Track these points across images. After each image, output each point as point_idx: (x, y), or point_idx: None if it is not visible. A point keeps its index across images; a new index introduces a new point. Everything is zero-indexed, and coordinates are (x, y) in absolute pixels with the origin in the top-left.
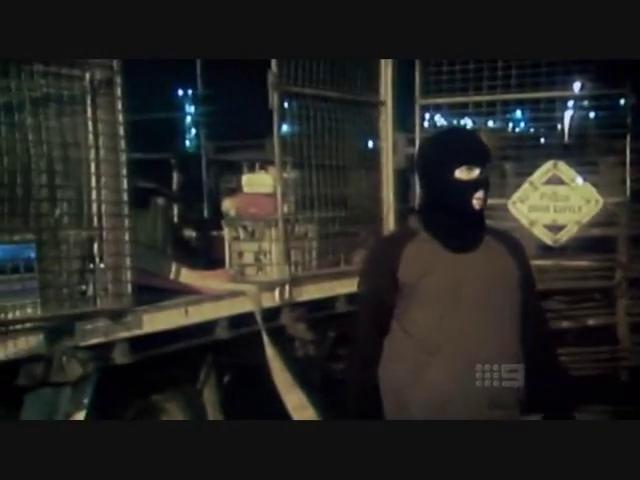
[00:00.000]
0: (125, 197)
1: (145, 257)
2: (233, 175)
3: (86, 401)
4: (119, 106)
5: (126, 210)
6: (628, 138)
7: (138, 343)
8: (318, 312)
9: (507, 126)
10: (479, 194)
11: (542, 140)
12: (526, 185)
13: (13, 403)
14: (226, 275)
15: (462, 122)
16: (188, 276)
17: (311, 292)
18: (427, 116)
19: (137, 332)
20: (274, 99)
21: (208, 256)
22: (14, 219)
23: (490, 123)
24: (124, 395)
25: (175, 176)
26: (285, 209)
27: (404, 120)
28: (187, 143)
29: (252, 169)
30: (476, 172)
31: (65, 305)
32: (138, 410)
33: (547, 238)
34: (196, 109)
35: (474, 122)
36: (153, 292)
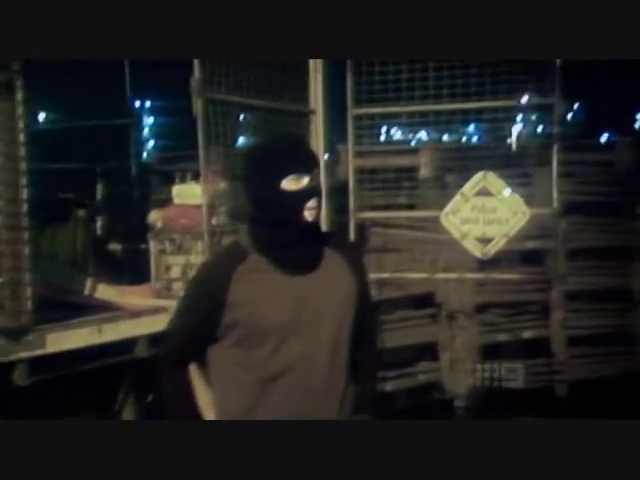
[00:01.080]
0: (24, 208)
1: (57, 272)
2: (165, 186)
3: None
4: (19, 111)
5: (25, 222)
6: (555, 148)
7: (42, 364)
8: None
9: (450, 136)
10: (311, 203)
11: (485, 150)
12: (458, 197)
13: None
14: (148, 290)
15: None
16: (106, 292)
17: None
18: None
19: (39, 352)
20: (197, 106)
21: (134, 270)
22: None
23: (426, 134)
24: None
25: (99, 187)
26: (214, 221)
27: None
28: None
29: (183, 180)
30: (305, 180)
31: None
32: None
33: (477, 251)
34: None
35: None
36: (72, 309)
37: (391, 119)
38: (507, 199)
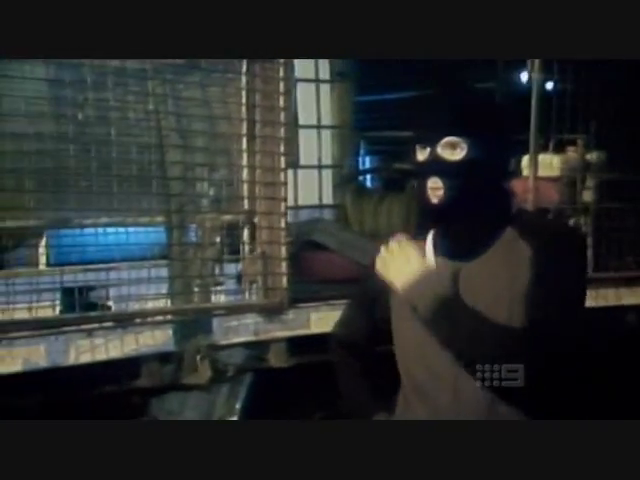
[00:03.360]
0: (282, 178)
1: (354, 246)
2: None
3: (238, 406)
4: (281, 73)
5: (283, 193)
6: None
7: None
8: None
9: None
10: (431, 183)
11: None
12: None
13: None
14: None
15: None
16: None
17: None
18: None
19: (300, 332)
20: None
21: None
22: (146, 199)
23: None
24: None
25: None
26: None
27: None
28: None
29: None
30: (425, 153)
31: (198, 298)
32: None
33: None
34: None
35: None
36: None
37: None
38: None
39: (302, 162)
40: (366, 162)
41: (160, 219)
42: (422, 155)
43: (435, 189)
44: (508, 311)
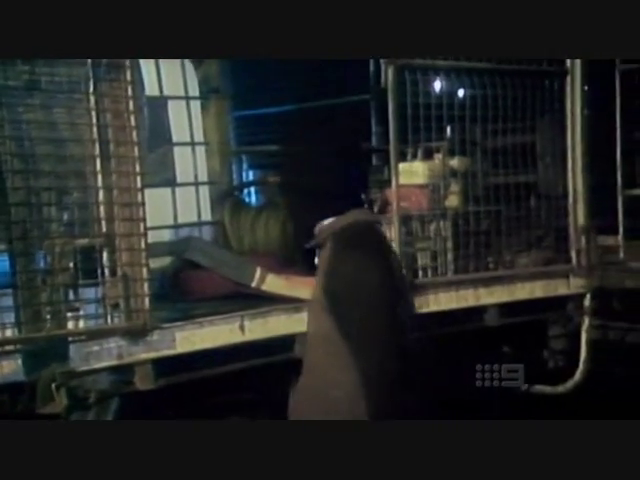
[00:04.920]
0: (139, 198)
1: (228, 262)
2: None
3: None
4: (129, 92)
5: (141, 213)
6: None
7: (171, 366)
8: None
9: None
10: None
11: None
12: None
13: None
14: None
15: None
16: (275, 283)
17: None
18: None
19: (166, 353)
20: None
21: None
22: None
23: None
24: None
25: None
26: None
27: None
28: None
29: (414, 157)
30: None
31: (50, 325)
32: None
33: None
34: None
35: None
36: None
37: None
38: None
39: (179, 180)
40: (247, 177)
41: (1, 246)
42: None
43: None
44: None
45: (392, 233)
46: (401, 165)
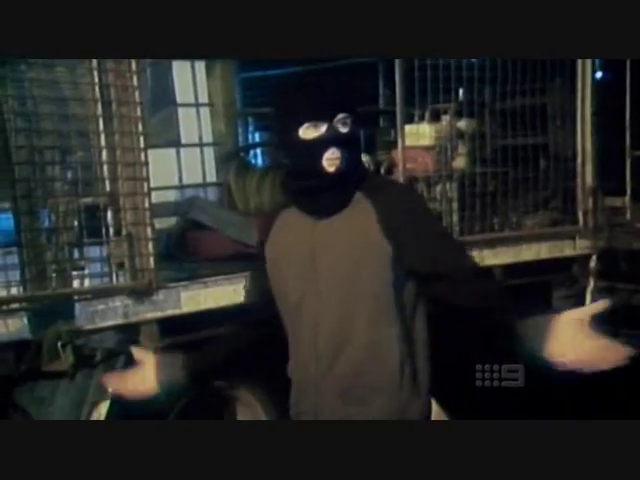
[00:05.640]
0: (143, 157)
1: (232, 224)
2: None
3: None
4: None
5: (144, 173)
6: None
7: (176, 325)
8: None
9: None
10: (329, 154)
11: None
12: None
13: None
14: None
15: None
16: None
17: None
18: None
19: (172, 313)
20: None
21: None
22: None
23: None
24: None
25: None
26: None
27: None
28: None
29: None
30: (322, 129)
31: (54, 283)
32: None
33: None
34: None
35: None
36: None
37: None
38: None
39: (184, 141)
40: (253, 139)
41: (6, 205)
42: (315, 130)
43: (332, 159)
44: (355, 266)
45: None
46: (408, 127)
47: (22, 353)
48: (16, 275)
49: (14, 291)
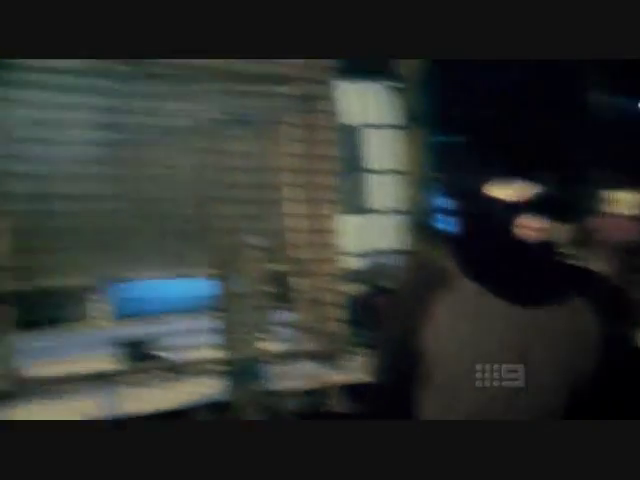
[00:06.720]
0: (332, 224)
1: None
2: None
3: None
4: (334, 122)
5: (333, 239)
6: None
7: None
8: None
9: None
10: (525, 220)
11: None
12: None
13: None
14: None
15: None
16: None
17: None
18: None
19: (357, 377)
20: None
21: None
22: (197, 253)
23: None
24: None
25: None
26: None
27: None
28: None
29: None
30: (514, 188)
31: (249, 346)
32: None
33: None
34: None
35: None
36: None
37: None
38: None
39: (373, 207)
40: (443, 204)
41: (211, 271)
42: (512, 190)
43: (528, 227)
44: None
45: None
46: (614, 194)
47: (215, 413)
48: (208, 338)
49: (207, 353)
